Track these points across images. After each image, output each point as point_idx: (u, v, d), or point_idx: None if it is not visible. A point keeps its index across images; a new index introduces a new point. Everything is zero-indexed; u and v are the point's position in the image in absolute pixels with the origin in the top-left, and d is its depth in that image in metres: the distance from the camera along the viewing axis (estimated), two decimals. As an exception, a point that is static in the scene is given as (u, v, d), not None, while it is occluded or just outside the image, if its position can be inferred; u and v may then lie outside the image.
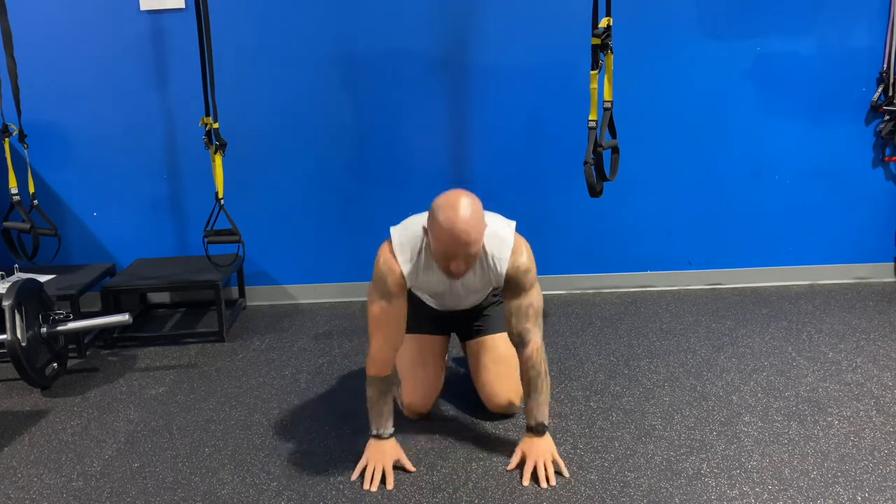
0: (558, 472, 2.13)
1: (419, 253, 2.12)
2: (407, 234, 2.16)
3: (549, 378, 2.19)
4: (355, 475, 2.15)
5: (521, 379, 2.20)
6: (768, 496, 1.98)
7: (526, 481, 2.10)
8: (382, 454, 2.16)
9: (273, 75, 3.54)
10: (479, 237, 1.98)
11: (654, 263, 3.77)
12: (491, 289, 2.44)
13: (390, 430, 2.19)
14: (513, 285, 2.14)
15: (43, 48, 3.46)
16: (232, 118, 3.38)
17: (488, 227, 2.09)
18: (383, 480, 2.12)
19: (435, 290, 2.28)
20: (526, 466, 2.13)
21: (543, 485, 2.08)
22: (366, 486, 2.09)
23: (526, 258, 2.15)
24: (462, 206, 1.95)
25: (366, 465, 2.16)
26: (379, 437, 2.18)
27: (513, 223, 2.20)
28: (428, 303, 2.48)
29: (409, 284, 2.15)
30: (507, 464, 2.17)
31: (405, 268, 2.12)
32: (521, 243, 2.17)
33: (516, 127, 3.59)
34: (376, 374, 2.16)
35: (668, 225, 3.72)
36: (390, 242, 2.16)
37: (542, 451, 2.14)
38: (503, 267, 2.13)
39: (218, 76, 3.20)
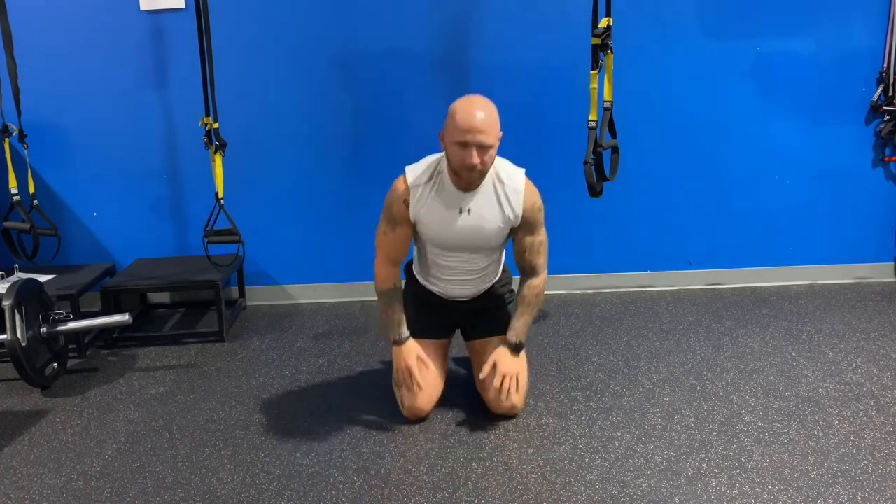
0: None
1: (430, 176, 2.28)
2: (420, 163, 2.34)
3: (538, 310, 2.46)
4: (398, 379, 2.42)
5: (520, 301, 2.41)
6: (768, 496, 1.98)
7: (495, 386, 2.33)
8: (404, 356, 2.39)
9: (273, 75, 3.54)
10: (493, 127, 2.15)
11: (654, 263, 3.77)
12: (502, 252, 2.50)
13: (405, 333, 2.40)
14: (529, 223, 2.33)
15: (43, 48, 3.46)
16: (232, 118, 3.38)
17: (500, 162, 2.31)
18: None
19: (443, 222, 2.29)
20: (497, 378, 2.34)
21: (503, 399, 2.35)
22: (410, 392, 2.38)
23: (539, 199, 2.35)
24: (479, 99, 2.18)
25: (398, 375, 2.42)
26: (398, 342, 2.40)
27: (522, 169, 2.37)
28: (433, 281, 2.48)
29: (413, 198, 2.27)
30: (507, 464, 2.18)
31: (414, 189, 2.27)
32: (532, 185, 2.35)
33: (516, 127, 3.57)
34: (381, 288, 2.40)
35: (668, 225, 3.72)
36: (405, 173, 2.35)
37: (512, 366, 2.36)
38: (519, 201, 2.28)
39: (218, 76, 3.20)
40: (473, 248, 2.37)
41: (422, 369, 2.43)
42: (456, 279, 2.46)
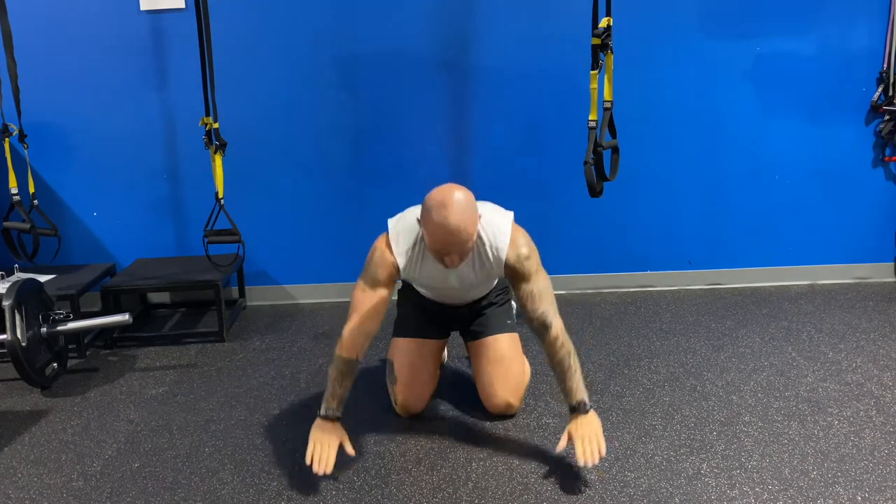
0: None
1: (415, 245, 2.16)
2: (405, 225, 2.19)
3: (577, 356, 2.16)
4: (308, 459, 2.07)
5: (552, 362, 2.16)
6: (768, 496, 1.98)
7: (581, 458, 2.02)
8: (326, 434, 2.11)
9: (273, 75, 3.54)
10: (472, 232, 1.99)
11: (654, 263, 3.77)
12: (494, 282, 2.47)
13: (338, 412, 2.15)
14: (517, 273, 2.15)
15: (43, 48, 3.47)
16: (232, 118, 3.38)
17: (484, 217, 2.14)
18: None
19: (431, 284, 2.32)
20: (577, 448, 2.05)
21: (588, 461, 2.01)
22: (315, 470, 2.04)
23: (525, 247, 2.16)
24: (454, 201, 1.95)
25: (314, 448, 2.10)
26: (326, 417, 2.13)
27: (510, 213, 2.22)
28: (427, 296, 2.49)
29: (403, 276, 2.21)
30: (507, 464, 2.18)
31: (400, 260, 2.16)
32: (519, 234, 2.19)
33: (516, 127, 3.59)
34: (342, 355, 2.16)
35: (668, 225, 3.72)
36: (387, 234, 2.19)
37: (589, 430, 2.08)
38: (501, 260, 2.15)
39: (218, 76, 3.20)
40: (467, 295, 2.42)
41: (415, 369, 2.45)
42: (448, 304, 2.49)
